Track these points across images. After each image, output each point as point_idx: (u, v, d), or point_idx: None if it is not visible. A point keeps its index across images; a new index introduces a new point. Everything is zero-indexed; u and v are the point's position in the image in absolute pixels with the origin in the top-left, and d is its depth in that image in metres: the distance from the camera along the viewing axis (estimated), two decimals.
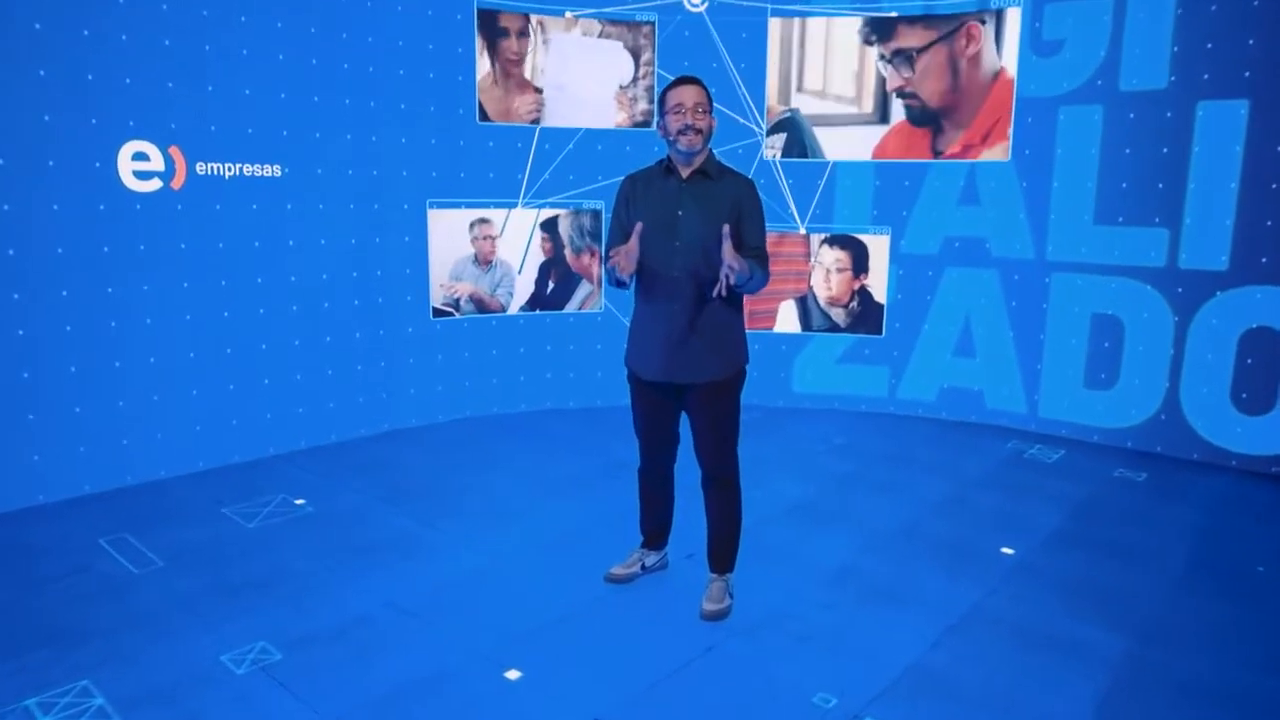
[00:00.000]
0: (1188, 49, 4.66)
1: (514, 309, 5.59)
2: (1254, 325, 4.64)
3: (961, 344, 5.58)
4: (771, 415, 5.64)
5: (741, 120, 5.64)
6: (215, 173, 4.34)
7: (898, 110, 5.51)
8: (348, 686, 2.62)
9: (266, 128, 4.47)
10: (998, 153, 5.31)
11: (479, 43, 5.16)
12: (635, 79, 5.53)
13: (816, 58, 5.58)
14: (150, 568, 3.39)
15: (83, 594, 3.17)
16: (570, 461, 4.71)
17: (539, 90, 5.39)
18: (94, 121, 3.94)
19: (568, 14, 5.35)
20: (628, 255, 2.75)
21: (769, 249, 2.98)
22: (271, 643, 2.85)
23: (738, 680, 2.71)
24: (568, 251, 5.65)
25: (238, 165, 4.41)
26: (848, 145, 5.62)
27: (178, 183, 4.22)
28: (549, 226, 5.57)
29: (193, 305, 4.35)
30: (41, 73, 3.78)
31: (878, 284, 5.70)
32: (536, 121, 5.41)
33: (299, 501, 4.10)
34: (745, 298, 3.06)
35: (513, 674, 2.70)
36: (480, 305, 5.48)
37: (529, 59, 5.33)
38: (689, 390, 2.96)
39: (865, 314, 5.75)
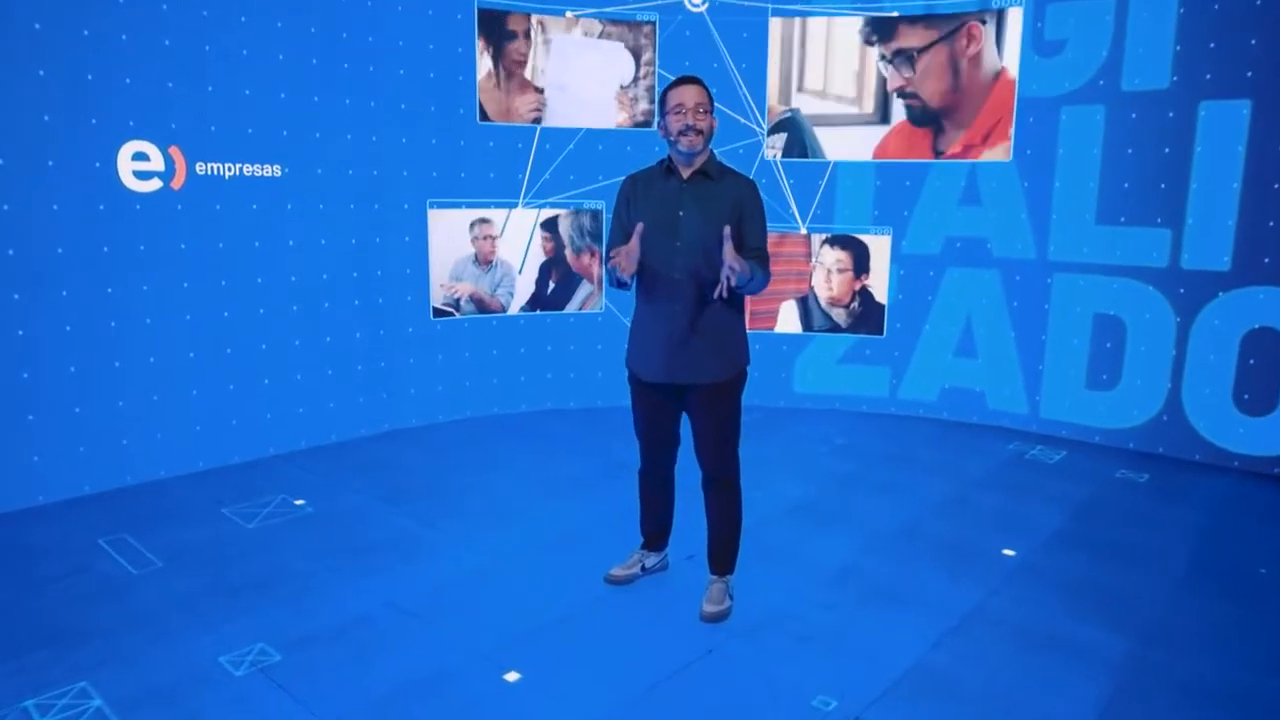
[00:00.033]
0: (1190, 49, 4.65)
1: (514, 309, 5.58)
2: (1256, 326, 4.63)
3: (963, 344, 5.58)
4: (772, 415, 5.63)
5: (742, 120, 5.63)
6: (215, 173, 4.33)
7: (899, 110, 5.50)
8: (347, 687, 2.62)
9: (266, 128, 4.47)
10: (999, 153, 5.30)
11: (479, 43, 5.16)
12: (636, 79, 5.52)
13: (817, 58, 5.58)
14: (150, 568, 3.39)
15: (82, 594, 3.17)
16: (571, 462, 4.70)
17: (540, 90, 5.39)
18: (94, 121, 3.94)
19: (568, 14, 5.35)
20: (628, 256, 2.74)
21: (770, 249, 2.97)
22: (271, 643, 2.85)
23: (738, 682, 2.70)
24: (568, 251, 5.64)
25: (238, 165, 4.40)
26: (848, 145, 5.61)
27: (178, 183, 4.22)
28: (550, 226, 5.57)
29: (193, 305, 4.35)
30: (41, 73, 3.78)
31: (879, 284, 5.69)
32: (537, 121, 5.40)
33: (299, 502, 4.09)
34: (746, 298, 3.06)
35: (512, 675, 2.70)
36: (481, 305, 5.48)
37: (529, 59, 5.33)
38: (690, 391, 2.95)
39: (866, 314, 5.74)
